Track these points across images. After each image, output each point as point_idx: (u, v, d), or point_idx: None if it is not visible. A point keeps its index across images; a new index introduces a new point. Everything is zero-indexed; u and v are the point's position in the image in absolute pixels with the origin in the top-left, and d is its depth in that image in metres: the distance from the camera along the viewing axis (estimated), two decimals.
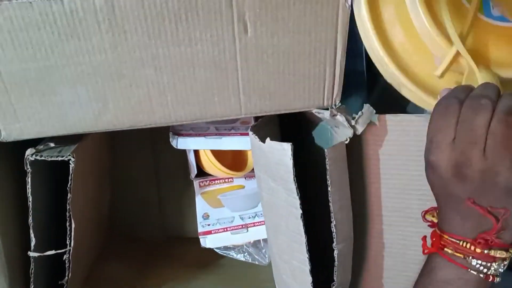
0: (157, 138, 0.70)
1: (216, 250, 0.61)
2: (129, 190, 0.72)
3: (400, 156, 0.49)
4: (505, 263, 0.37)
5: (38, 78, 0.44)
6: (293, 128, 0.60)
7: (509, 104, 0.33)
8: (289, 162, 0.44)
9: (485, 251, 0.36)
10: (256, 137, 0.48)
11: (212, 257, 0.60)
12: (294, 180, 0.44)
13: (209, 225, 0.60)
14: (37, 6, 0.40)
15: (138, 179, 0.72)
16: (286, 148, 0.44)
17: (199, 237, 0.60)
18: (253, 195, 0.60)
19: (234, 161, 0.63)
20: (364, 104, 0.48)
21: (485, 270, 0.37)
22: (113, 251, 0.67)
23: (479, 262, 0.36)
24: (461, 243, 0.37)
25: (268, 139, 0.46)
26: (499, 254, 0.36)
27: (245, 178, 0.63)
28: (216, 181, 0.62)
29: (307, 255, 0.46)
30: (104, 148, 0.66)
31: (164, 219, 0.73)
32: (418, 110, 0.86)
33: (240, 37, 0.44)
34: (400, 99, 0.87)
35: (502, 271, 0.37)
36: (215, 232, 0.60)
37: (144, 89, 0.46)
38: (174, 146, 0.56)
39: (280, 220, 0.49)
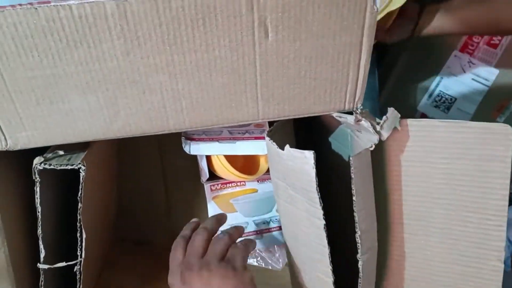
0: (165, 140, 0.67)
1: None
2: (136, 194, 0.70)
3: (422, 163, 0.47)
4: None
5: (45, 85, 0.41)
6: (305, 131, 0.58)
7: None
8: (312, 171, 0.42)
9: None
10: (274, 143, 0.46)
11: None
12: (317, 190, 0.43)
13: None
14: (43, 12, 0.37)
15: (146, 183, 0.69)
16: (308, 157, 0.42)
17: None
18: (267, 199, 0.58)
19: (246, 164, 0.60)
20: (389, 108, 0.46)
21: None
22: (121, 258, 0.65)
23: None
24: None
25: (287, 147, 0.44)
26: None
27: (258, 182, 0.61)
28: (228, 185, 0.60)
29: (330, 267, 0.45)
30: (111, 153, 0.64)
31: (172, 224, 0.71)
32: (429, 109, 0.85)
33: (260, 42, 0.41)
34: (410, 100, 0.85)
35: None
36: None
37: (157, 95, 0.43)
38: (187, 152, 0.54)
39: (300, 230, 0.48)
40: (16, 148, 0.44)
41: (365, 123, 0.44)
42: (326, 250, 0.44)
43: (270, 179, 0.55)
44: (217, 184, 0.60)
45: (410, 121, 0.46)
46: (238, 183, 0.60)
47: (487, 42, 0.82)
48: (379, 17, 0.61)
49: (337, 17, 0.41)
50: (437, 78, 0.86)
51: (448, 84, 0.85)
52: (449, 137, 0.46)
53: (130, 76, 0.41)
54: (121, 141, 0.67)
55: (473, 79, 0.83)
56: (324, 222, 0.44)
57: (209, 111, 0.45)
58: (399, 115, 0.46)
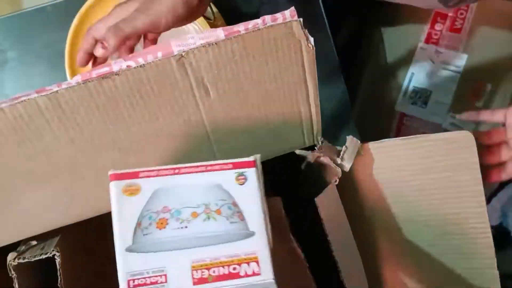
0: None
1: None
2: None
3: (393, 183, 0.47)
4: None
5: None
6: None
7: None
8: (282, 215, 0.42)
9: None
10: None
11: None
12: (290, 233, 0.42)
13: None
14: None
15: None
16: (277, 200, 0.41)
17: None
18: None
19: None
20: (347, 137, 0.45)
21: None
22: None
23: None
24: None
25: None
26: None
27: None
28: None
29: None
30: (95, 226, 0.63)
31: None
32: (406, 107, 0.84)
33: (203, 101, 0.41)
34: (386, 102, 0.84)
35: None
36: None
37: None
38: None
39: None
40: None
41: (324, 159, 0.43)
42: None
43: None
44: None
45: (371, 144, 0.46)
46: None
47: (450, 28, 0.81)
48: None
49: (274, 62, 0.40)
50: (409, 74, 0.85)
51: (421, 78, 0.84)
52: (413, 154, 0.45)
53: (80, 160, 0.41)
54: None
55: (443, 68, 0.82)
56: (307, 265, 0.43)
57: None
58: (359, 142, 0.45)
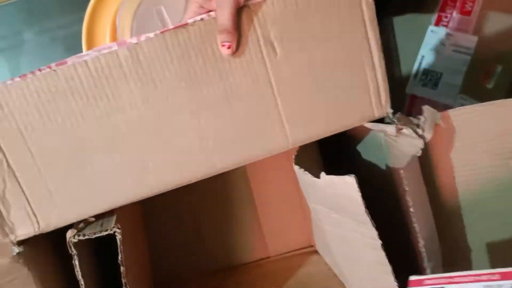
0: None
1: None
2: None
3: (470, 151, 0.45)
4: None
5: (72, 151, 0.41)
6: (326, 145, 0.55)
7: None
8: (357, 195, 0.39)
9: None
10: (307, 173, 0.44)
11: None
12: (367, 212, 0.39)
13: None
14: (62, 73, 0.39)
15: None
16: (350, 182, 0.39)
17: None
18: None
19: None
20: (423, 107, 0.44)
21: None
22: None
23: None
24: None
25: (323, 174, 0.42)
26: None
27: None
28: None
29: (395, 284, 0.40)
30: (138, 213, 0.62)
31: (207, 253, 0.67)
32: (418, 89, 0.83)
33: (270, 58, 0.42)
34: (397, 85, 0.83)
35: None
36: None
37: (182, 138, 0.42)
38: None
39: (353, 252, 0.43)
40: (48, 229, 0.43)
41: (406, 130, 0.42)
42: (388, 268, 0.40)
43: None
44: None
45: (451, 112, 0.45)
46: None
47: (460, 11, 0.82)
48: None
49: (337, 17, 0.42)
50: (419, 57, 0.85)
51: (431, 61, 0.84)
52: (490, 119, 0.44)
53: (153, 122, 0.41)
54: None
55: (454, 50, 0.82)
56: (380, 241, 0.40)
57: (237, 146, 0.44)
58: (437, 111, 0.44)
